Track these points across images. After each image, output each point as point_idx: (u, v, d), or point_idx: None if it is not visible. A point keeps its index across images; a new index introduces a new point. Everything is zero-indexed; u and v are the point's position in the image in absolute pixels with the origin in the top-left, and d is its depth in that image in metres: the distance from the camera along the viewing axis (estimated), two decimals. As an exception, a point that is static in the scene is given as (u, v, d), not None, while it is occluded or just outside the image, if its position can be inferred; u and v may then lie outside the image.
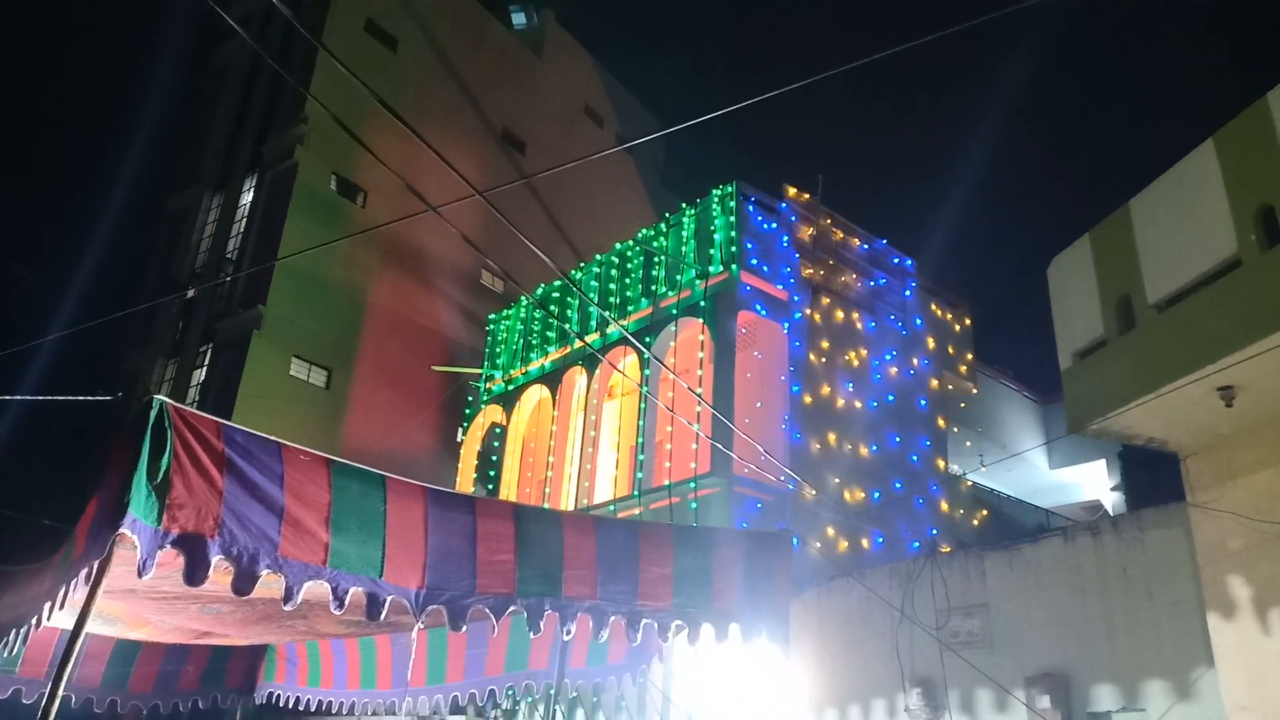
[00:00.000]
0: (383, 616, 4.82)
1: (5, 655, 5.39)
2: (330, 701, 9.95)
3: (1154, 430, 7.14)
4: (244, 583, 4.33)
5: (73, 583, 4.28)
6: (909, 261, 16.45)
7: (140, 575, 4.02)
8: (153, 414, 4.15)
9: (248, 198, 22.25)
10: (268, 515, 4.45)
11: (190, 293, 18.82)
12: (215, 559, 4.26)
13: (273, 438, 4.64)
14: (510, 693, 9.12)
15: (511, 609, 5.32)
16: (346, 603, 4.70)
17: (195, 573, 4.19)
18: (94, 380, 21.35)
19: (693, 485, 11.88)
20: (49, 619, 4.60)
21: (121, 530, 3.88)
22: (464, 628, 5.15)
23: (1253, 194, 5.93)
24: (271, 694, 10.29)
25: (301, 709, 10.18)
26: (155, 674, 10.01)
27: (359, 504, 4.82)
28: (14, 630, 5.15)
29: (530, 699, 11.79)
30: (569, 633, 5.74)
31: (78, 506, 4.70)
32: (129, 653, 9.54)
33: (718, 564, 6.18)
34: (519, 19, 27.86)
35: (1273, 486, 6.87)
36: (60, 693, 4.03)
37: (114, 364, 22.15)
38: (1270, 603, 6.79)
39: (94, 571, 3.97)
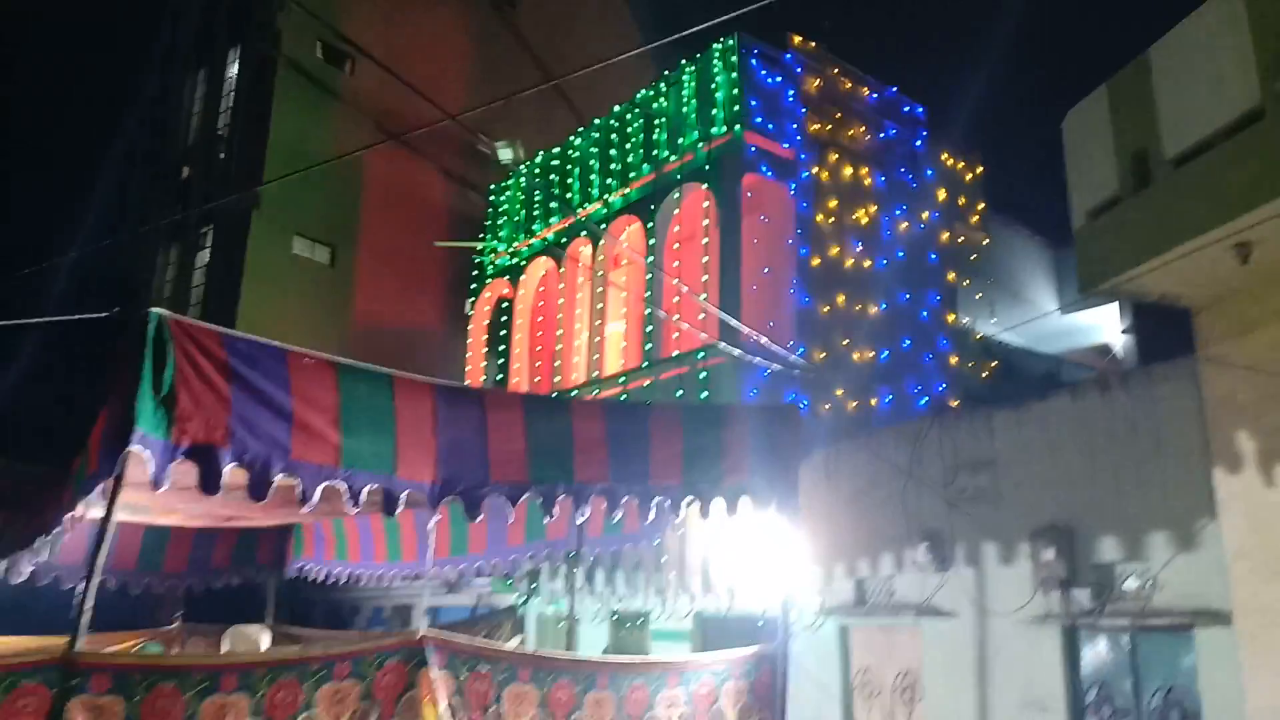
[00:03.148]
0: (398, 512, 4.93)
1: (41, 560, 5.55)
2: (360, 575, 10.33)
3: (1166, 287, 7.03)
4: (259, 489, 4.41)
5: (89, 498, 4.36)
6: (920, 109, 15.91)
7: (155, 489, 4.08)
8: (151, 328, 4.13)
9: (233, 70, 21.53)
10: (277, 421, 4.49)
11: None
12: (228, 467, 4.32)
13: (276, 343, 4.62)
14: (531, 558, 9.45)
15: (526, 495, 5.44)
16: (362, 501, 4.79)
17: (209, 482, 4.26)
18: (100, 279, 21.22)
19: (701, 355, 11.91)
20: (72, 530, 4.73)
21: (131, 448, 3.92)
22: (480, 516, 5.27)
23: (1277, 39, 5.61)
24: (302, 569, 10.70)
25: (331, 584, 10.58)
26: (188, 555, 10.38)
27: (368, 404, 4.86)
28: (41, 536, 5.31)
29: (551, 560, 12.20)
30: (583, 515, 5.87)
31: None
32: (160, 535, 9.85)
33: (727, 440, 6.27)
34: None
35: (1285, 339, 6.82)
36: (93, 589, 4.10)
37: (118, 259, 21.91)
38: (1277, 454, 6.86)
39: (109, 490, 4.03)
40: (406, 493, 4.93)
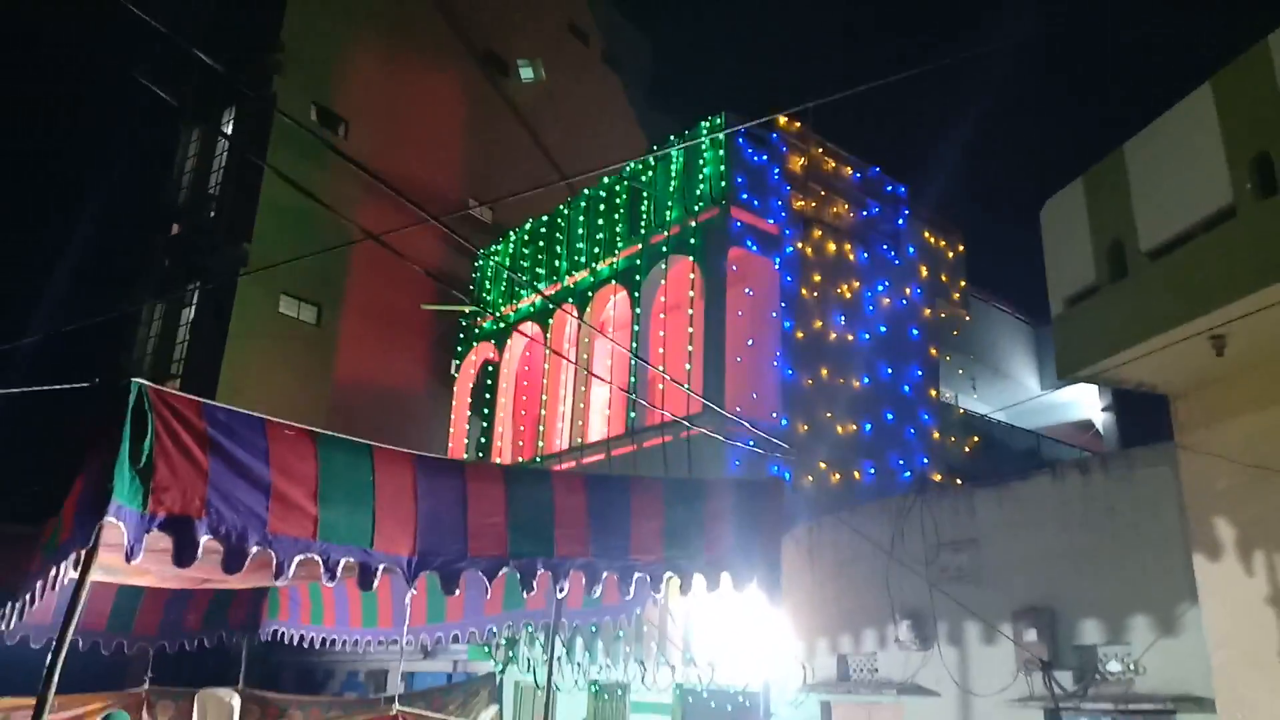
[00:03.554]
0: (375, 585, 4.87)
1: (4, 628, 5.43)
2: (334, 639, 10.15)
3: (1143, 375, 7.13)
4: (233, 561, 4.36)
5: (62, 565, 4.29)
6: (902, 189, 16.23)
7: (128, 560, 4.03)
8: (131, 398, 4.12)
9: (227, 130, 21.78)
10: (254, 492, 4.45)
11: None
12: (204, 539, 4.28)
13: (256, 414, 4.61)
14: (509, 627, 9.31)
15: (504, 570, 5.39)
16: (338, 574, 4.74)
17: (183, 554, 4.21)
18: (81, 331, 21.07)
19: (685, 424, 11.93)
20: (41, 599, 4.64)
21: (106, 519, 3.87)
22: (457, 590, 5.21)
23: (1250, 140, 5.78)
24: (276, 631, 10.50)
25: (305, 646, 10.39)
26: (160, 616, 10.16)
27: (346, 475, 4.83)
28: (9, 604, 5.20)
29: (530, 628, 12.03)
30: (562, 590, 5.81)
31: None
32: (133, 596, 9.66)
33: (709, 515, 6.25)
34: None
35: (1260, 428, 6.90)
36: (60, 660, 4.03)
37: (102, 310, 21.81)
38: (1254, 543, 6.88)
39: (82, 559, 3.97)
40: (383, 566, 4.88)
